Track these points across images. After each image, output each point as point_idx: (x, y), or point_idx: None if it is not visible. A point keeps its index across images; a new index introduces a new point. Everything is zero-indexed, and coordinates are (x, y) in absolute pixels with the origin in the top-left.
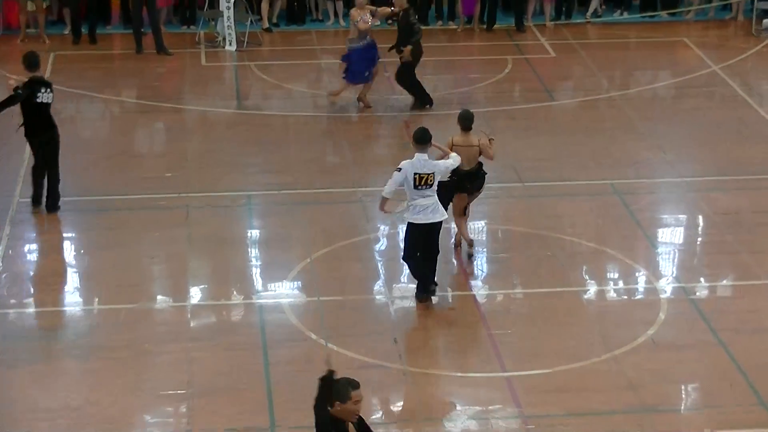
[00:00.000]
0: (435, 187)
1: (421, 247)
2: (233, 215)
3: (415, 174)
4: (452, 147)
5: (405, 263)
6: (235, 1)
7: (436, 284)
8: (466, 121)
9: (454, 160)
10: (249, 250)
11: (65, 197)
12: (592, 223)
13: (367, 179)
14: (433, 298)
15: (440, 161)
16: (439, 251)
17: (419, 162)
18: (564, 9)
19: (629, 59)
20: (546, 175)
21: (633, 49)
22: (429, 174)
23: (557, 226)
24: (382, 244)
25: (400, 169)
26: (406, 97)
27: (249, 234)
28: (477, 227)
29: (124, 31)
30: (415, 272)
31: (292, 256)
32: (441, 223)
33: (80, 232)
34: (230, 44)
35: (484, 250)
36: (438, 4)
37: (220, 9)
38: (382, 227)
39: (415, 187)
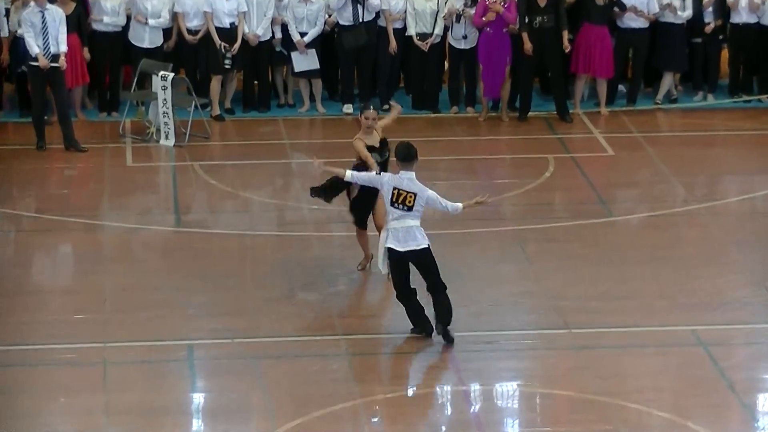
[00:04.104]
0: (415, 212)
1: (408, 281)
2: (168, 374)
3: (394, 188)
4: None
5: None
6: (173, 79)
7: (444, 329)
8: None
9: (452, 207)
10: (190, 424)
11: None
12: (666, 387)
13: (355, 324)
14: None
15: (434, 193)
16: (443, 286)
17: (403, 178)
18: (625, 91)
19: (716, 159)
20: (601, 320)
21: (720, 145)
22: (409, 193)
23: (618, 390)
24: (375, 415)
25: (380, 174)
26: None
27: (190, 401)
28: (507, 390)
29: (19, 119)
30: (408, 314)
31: (251, 431)
32: (426, 250)
33: None
34: (166, 137)
35: (517, 423)
36: (452, 85)
37: (153, 90)
38: (376, 388)
39: (392, 203)
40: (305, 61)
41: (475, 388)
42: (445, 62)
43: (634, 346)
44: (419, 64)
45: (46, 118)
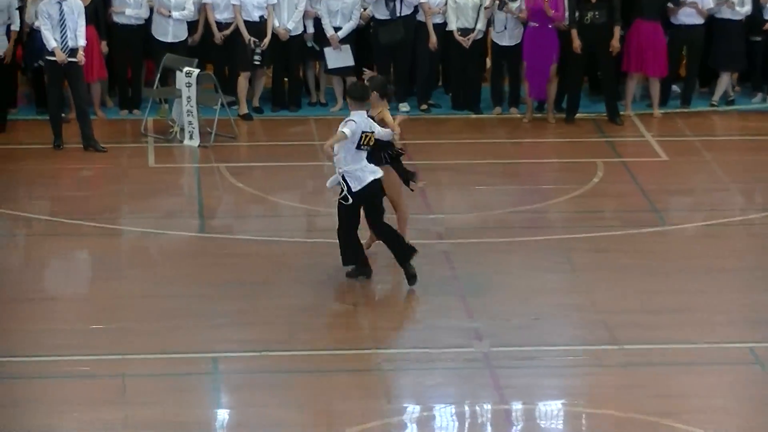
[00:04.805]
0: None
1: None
2: (191, 388)
3: (362, 132)
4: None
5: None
6: (198, 76)
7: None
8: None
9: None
10: None
11: None
12: (720, 407)
13: (389, 337)
14: None
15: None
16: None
17: (364, 120)
18: (679, 91)
19: None
20: (651, 335)
21: None
22: (371, 133)
23: (669, 411)
24: None
25: (354, 121)
26: (447, 218)
27: (214, 417)
28: (551, 410)
29: (35, 116)
30: (348, 252)
31: None
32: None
33: None
34: (190, 137)
35: None
36: (495, 84)
37: (177, 86)
38: (411, 407)
39: (359, 146)
40: (339, 57)
41: (516, 407)
42: (488, 59)
43: (687, 364)
44: (460, 61)
45: (63, 115)
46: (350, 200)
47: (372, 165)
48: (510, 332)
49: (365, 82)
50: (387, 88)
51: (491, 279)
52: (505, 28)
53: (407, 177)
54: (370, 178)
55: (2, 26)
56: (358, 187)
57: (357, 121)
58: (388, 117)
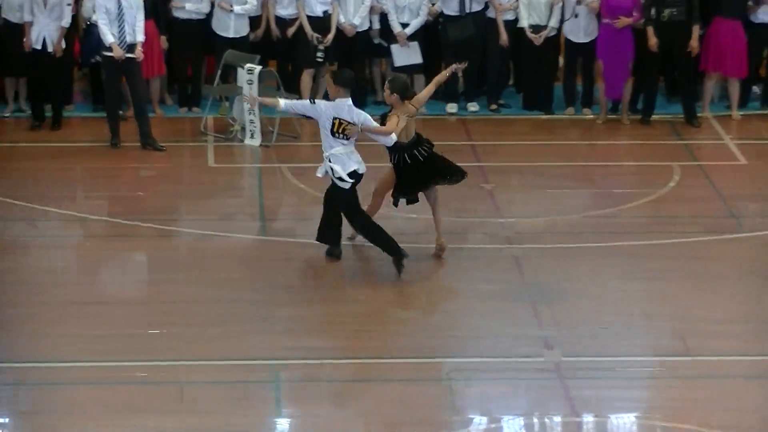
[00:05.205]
0: (353, 141)
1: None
2: (250, 397)
3: (335, 118)
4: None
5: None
6: (260, 73)
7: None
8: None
9: (384, 140)
10: None
11: None
12: None
13: (455, 345)
14: None
15: (368, 117)
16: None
17: (343, 107)
18: (759, 93)
19: None
20: (729, 346)
21: None
22: (349, 123)
23: (747, 425)
24: None
25: (315, 102)
26: (517, 222)
27: (273, 427)
28: (624, 423)
29: (92, 114)
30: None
31: None
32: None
33: (16, 418)
34: (252, 136)
35: None
36: (568, 83)
37: (238, 84)
38: (477, 419)
39: (332, 133)
40: (406, 54)
41: (588, 419)
42: (560, 58)
43: (763, 377)
44: (531, 59)
45: (121, 113)
46: (348, 182)
47: (358, 156)
48: (581, 341)
49: (451, 73)
50: (408, 91)
51: (562, 286)
52: (576, 16)
53: (448, 174)
54: (353, 167)
55: (56, 21)
56: (341, 173)
57: (324, 105)
58: (393, 119)
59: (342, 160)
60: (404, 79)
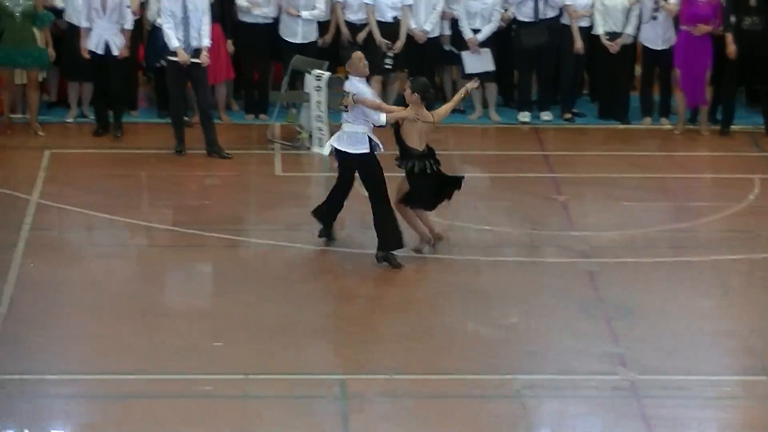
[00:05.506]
0: (351, 115)
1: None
2: (316, 412)
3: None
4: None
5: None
6: (329, 79)
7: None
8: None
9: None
10: None
11: (53, 374)
12: None
13: (528, 362)
14: None
15: (368, 95)
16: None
17: (350, 82)
18: None
19: None
20: None
21: None
22: (348, 95)
23: None
24: None
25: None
26: (591, 235)
27: None
28: None
29: (157, 120)
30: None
31: None
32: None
33: (79, 431)
34: (320, 144)
35: None
36: (645, 92)
37: (305, 90)
38: None
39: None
40: (478, 61)
41: None
42: (637, 66)
43: None
44: (607, 67)
45: (186, 119)
46: (377, 149)
47: (367, 140)
48: (658, 359)
49: (466, 93)
50: (429, 92)
51: (637, 301)
52: (655, 18)
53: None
54: (360, 150)
55: (116, 25)
56: (351, 150)
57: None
58: (402, 110)
59: (353, 139)
60: (425, 80)
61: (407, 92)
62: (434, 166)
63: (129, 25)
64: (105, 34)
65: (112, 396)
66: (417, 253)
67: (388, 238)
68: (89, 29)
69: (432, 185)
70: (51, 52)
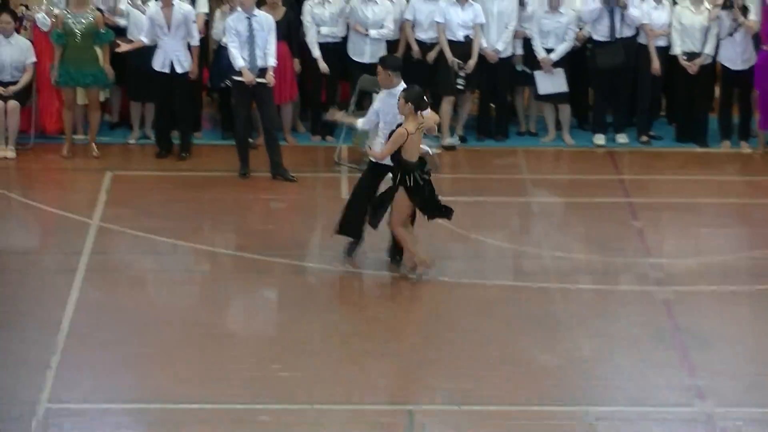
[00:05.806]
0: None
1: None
2: None
3: None
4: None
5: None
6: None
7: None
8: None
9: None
10: None
11: (114, 402)
12: None
13: (602, 392)
14: None
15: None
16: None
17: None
18: None
19: None
20: None
21: None
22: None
23: None
24: None
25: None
26: (668, 263)
27: None
28: None
29: (221, 141)
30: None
31: None
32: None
33: None
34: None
35: None
36: (724, 114)
37: None
38: None
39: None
40: (551, 82)
41: None
42: (716, 87)
43: None
44: (685, 88)
45: (251, 140)
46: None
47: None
48: (736, 391)
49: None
50: (423, 101)
51: (716, 331)
52: (731, 35)
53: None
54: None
55: (182, 41)
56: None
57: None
58: (399, 131)
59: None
60: (419, 89)
61: (401, 102)
62: (423, 176)
63: (196, 42)
64: (171, 54)
65: (174, 423)
66: (411, 276)
67: (346, 221)
68: (149, 46)
69: (431, 191)
70: (109, 69)
